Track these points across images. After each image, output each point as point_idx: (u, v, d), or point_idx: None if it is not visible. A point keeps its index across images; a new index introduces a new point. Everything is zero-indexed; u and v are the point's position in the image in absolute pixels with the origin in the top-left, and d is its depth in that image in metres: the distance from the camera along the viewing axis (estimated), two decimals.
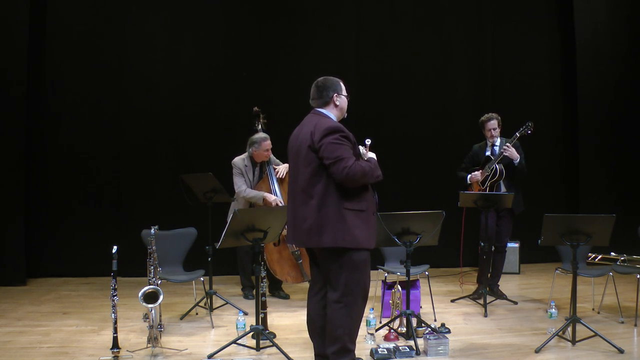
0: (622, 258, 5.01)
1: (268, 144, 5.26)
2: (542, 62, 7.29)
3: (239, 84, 6.61)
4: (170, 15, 6.60)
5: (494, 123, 5.33)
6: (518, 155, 5.14)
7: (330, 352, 3.26)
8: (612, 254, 5.10)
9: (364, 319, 4.18)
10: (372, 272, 5.03)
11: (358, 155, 3.30)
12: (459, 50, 7.08)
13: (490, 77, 7.14)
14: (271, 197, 5.18)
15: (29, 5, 6.06)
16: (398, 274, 4.68)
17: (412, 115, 6.97)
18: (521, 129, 5.13)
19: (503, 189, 5.24)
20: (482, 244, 5.17)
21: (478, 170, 5.38)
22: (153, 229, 4.10)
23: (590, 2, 7.05)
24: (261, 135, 5.30)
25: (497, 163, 5.20)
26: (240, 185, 5.24)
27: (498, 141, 5.38)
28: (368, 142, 3.48)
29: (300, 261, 5.20)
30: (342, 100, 3.40)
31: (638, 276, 4.67)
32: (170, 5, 6.60)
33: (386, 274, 4.86)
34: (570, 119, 7.28)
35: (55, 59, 6.39)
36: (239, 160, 5.32)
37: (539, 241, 4.14)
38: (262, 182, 5.33)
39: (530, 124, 5.12)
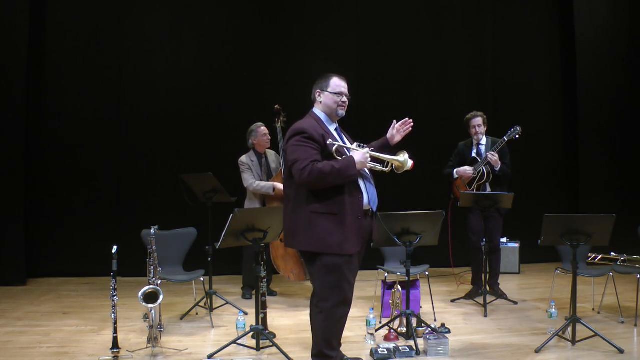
0: (622, 258, 5.01)
1: (264, 129, 5.39)
2: (542, 62, 7.29)
3: (238, 83, 6.60)
4: (170, 15, 6.60)
5: (478, 120, 5.33)
6: (500, 164, 5.14)
7: (312, 355, 3.30)
8: (612, 254, 5.09)
9: (363, 319, 4.20)
10: (372, 272, 5.04)
11: (329, 156, 3.17)
12: (459, 50, 7.08)
13: (490, 77, 7.14)
14: (280, 185, 5.18)
15: (29, 5, 6.06)
16: (398, 274, 4.68)
17: (412, 115, 6.84)
18: (509, 133, 5.12)
19: (489, 189, 5.24)
20: (482, 244, 5.17)
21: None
22: (153, 229, 4.09)
23: (590, 2, 7.05)
24: (255, 124, 5.41)
25: (484, 165, 5.20)
26: (249, 180, 5.28)
27: (484, 140, 5.38)
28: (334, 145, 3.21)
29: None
30: (325, 96, 3.31)
31: (638, 276, 4.66)
32: (170, 6, 6.60)
33: (386, 274, 4.86)
34: (570, 118, 7.28)
35: (55, 59, 6.39)
36: (245, 158, 5.38)
37: (539, 241, 4.13)
38: (276, 177, 5.36)
39: (518, 129, 5.10)
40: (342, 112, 3.35)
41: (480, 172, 5.22)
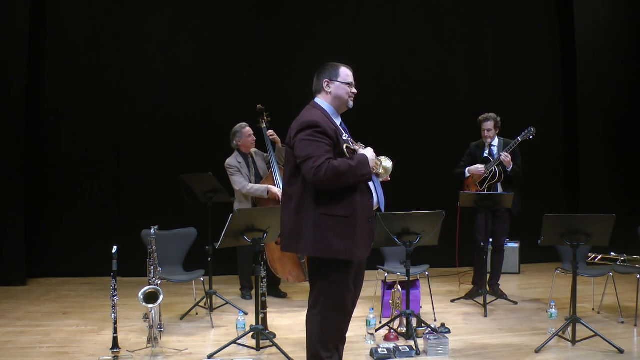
0: (622, 258, 5.01)
1: (248, 130, 5.34)
2: (542, 62, 7.29)
3: (238, 83, 6.60)
4: (169, 15, 6.59)
5: (489, 124, 5.32)
6: (512, 164, 5.14)
7: (307, 357, 3.21)
8: (612, 254, 5.09)
9: (363, 319, 4.20)
10: (372, 272, 5.03)
11: (342, 153, 2.96)
12: (459, 50, 7.08)
13: (490, 77, 7.14)
14: (275, 189, 5.16)
15: (29, 5, 6.06)
16: (398, 274, 4.68)
17: (412, 115, 6.97)
18: (523, 134, 5.11)
19: (500, 189, 5.25)
20: (482, 244, 5.18)
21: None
22: (153, 229, 4.10)
23: (590, 2, 7.05)
24: (239, 124, 5.37)
25: (496, 165, 5.20)
26: (241, 182, 5.22)
27: (496, 141, 5.38)
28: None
29: (303, 260, 5.18)
30: (335, 86, 3.07)
31: (638, 276, 4.67)
32: (169, 6, 6.60)
33: (386, 274, 4.86)
34: (570, 118, 7.28)
35: (55, 59, 6.38)
36: (232, 160, 5.31)
37: (539, 241, 4.14)
38: (266, 180, 5.33)
39: (532, 130, 5.08)
40: (351, 103, 3.15)
41: (492, 172, 5.22)
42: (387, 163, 3.17)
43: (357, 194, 2.98)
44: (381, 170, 3.16)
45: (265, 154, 5.49)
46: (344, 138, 3.02)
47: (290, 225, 3.03)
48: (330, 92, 3.10)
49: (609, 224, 4.00)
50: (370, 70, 6.87)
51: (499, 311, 5.01)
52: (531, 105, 7.15)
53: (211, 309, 4.87)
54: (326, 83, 3.10)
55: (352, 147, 3.05)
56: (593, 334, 4.03)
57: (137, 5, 6.54)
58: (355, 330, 4.30)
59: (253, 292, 5.27)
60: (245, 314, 4.28)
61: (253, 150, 5.47)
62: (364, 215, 3.00)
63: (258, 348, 3.95)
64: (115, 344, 3.69)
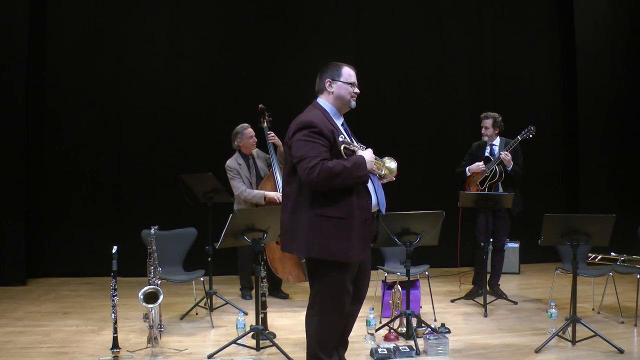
0: (622, 258, 5.01)
1: (250, 131, 5.33)
2: (542, 62, 7.29)
3: (238, 83, 6.60)
4: (169, 15, 6.59)
5: (487, 122, 5.34)
6: (512, 163, 5.14)
7: (307, 357, 3.19)
8: (612, 254, 5.09)
9: (364, 319, 4.20)
10: (372, 272, 5.03)
11: (338, 154, 2.94)
12: (459, 50, 7.08)
13: (490, 77, 7.14)
14: (271, 194, 5.16)
15: (29, 5, 6.06)
16: (398, 274, 4.68)
17: (412, 115, 6.97)
18: (523, 133, 5.12)
19: (501, 189, 5.25)
20: (482, 244, 5.18)
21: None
22: (153, 229, 4.10)
23: (590, 2, 7.05)
24: (241, 125, 5.35)
25: (497, 165, 5.20)
26: (239, 187, 5.20)
27: (497, 140, 5.39)
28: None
29: (304, 260, 5.17)
30: (337, 86, 3.06)
31: (638, 276, 4.67)
32: (169, 6, 6.60)
33: (386, 274, 4.86)
34: (570, 119, 7.28)
35: (55, 59, 6.38)
36: (232, 162, 5.28)
37: (539, 241, 4.14)
38: (267, 180, 5.31)
39: (532, 128, 5.10)
40: (354, 103, 3.13)
41: (493, 171, 5.22)
42: (391, 164, 3.15)
43: (354, 195, 2.94)
44: (384, 171, 3.14)
45: (267, 156, 5.48)
46: (341, 139, 2.98)
47: (286, 225, 3.03)
48: (332, 92, 3.09)
49: (609, 224, 4.00)
50: (371, 70, 6.86)
51: (499, 311, 5.01)
52: (531, 105, 7.15)
53: (211, 309, 4.87)
54: (328, 83, 3.09)
55: (351, 148, 3.01)
56: (593, 334, 4.02)
57: (137, 5, 6.54)
58: (355, 330, 4.27)
59: (253, 292, 5.27)
60: (245, 314, 4.28)
61: (254, 151, 5.46)
62: (361, 217, 2.97)
63: (258, 348, 3.95)
64: (115, 344, 3.69)
